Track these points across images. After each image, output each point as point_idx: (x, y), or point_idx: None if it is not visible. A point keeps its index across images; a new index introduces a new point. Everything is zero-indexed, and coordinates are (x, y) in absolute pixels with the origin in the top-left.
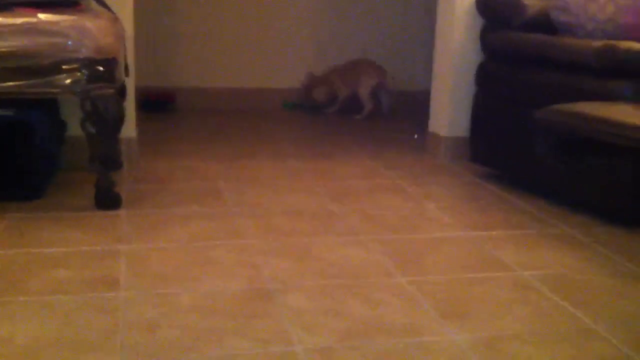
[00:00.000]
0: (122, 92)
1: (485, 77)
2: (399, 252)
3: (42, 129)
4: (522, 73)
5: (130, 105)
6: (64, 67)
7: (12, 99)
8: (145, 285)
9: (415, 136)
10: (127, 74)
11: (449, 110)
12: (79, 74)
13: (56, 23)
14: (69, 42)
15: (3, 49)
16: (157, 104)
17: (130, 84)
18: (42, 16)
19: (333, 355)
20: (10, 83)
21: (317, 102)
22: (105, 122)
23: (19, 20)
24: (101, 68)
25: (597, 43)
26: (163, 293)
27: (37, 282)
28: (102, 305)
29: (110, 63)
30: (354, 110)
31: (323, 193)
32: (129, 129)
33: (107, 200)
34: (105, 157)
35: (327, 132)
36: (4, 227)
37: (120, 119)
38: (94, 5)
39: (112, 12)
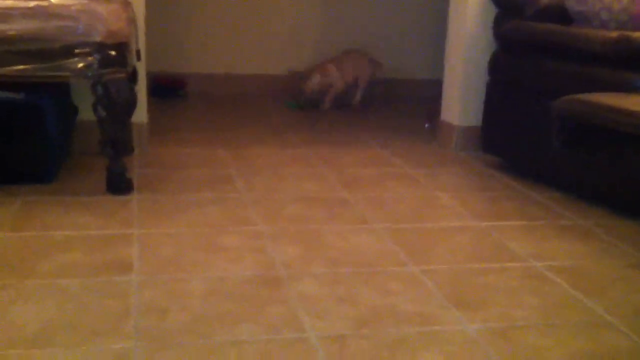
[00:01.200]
0: (133, 76)
1: (498, 66)
2: (411, 240)
3: (53, 113)
4: (536, 63)
5: (141, 91)
6: (75, 51)
7: (23, 83)
8: (156, 270)
9: (426, 125)
10: (138, 59)
11: (461, 99)
12: (90, 58)
13: (68, 7)
14: (80, 26)
15: (14, 32)
16: (167, 90)
17: (142, 69)
18: (53, 0)
19: (345, 342)
20: (22, 66)
21: (309, 94)
22: (117, 106)
23: (31, 4)
24: (113, 52)
25: (612, 33)
26: (174, 278)
27: (48, 265)
28: (112, 289)
29: (122, 47)
30: (345, 102)
31: (333, 181)
32: (140, 114)
33: (119, 184)
34: (117, 141)
35: (337, 121)
36: (15, 210)
37: (131, 104)
38: None
39: None
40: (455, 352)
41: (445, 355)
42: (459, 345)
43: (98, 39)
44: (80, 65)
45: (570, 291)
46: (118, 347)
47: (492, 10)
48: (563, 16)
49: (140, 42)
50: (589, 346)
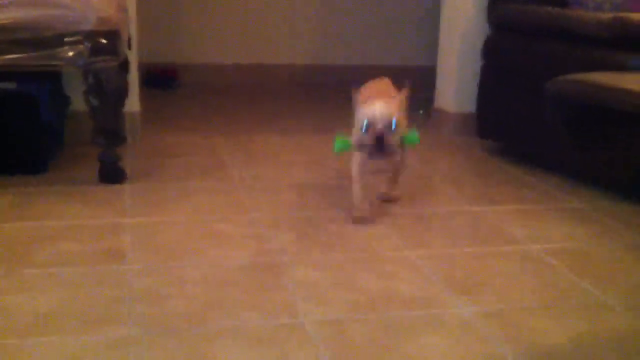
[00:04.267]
0: (124, 65)
1: (492, 50)
2: (407, 226)
3: (45, 103)
4: (531, 46)
5: (133, 79)
6: (66, 39)
7: (14, 72)
8: (151, 257)
9: (421, 112)
10: (129, 47)
11: (456, 85)
12: (81, 46)
13: None
14: (71, 14)
15: (5, 21)
16: (160, 80)
17: (133, 58)
18: None
19: (342, 327)
20: (13, 55)
21: None
22: (108, 95)
23: None
24: (104, 40)
25: (607, 15)
26: (170, 266)
27: (43, 254)
28: (109, 278)
29: (113, 35)
30: None
31: (329, 168)
32: (132, 103)
33: (112, 174)
34: (109, 130)
35: (332, 108)
36: (9, 201)
37: (123, 92)
38: None
39: None
40: (453, 335)
41: (443, 338)
42: (456, 328)
43: (89, 27)
44: (71, 53)
45: (568, 274)
46: (115, 334)
47: None
48: None
49: (132, 31)
50: (588, 328)
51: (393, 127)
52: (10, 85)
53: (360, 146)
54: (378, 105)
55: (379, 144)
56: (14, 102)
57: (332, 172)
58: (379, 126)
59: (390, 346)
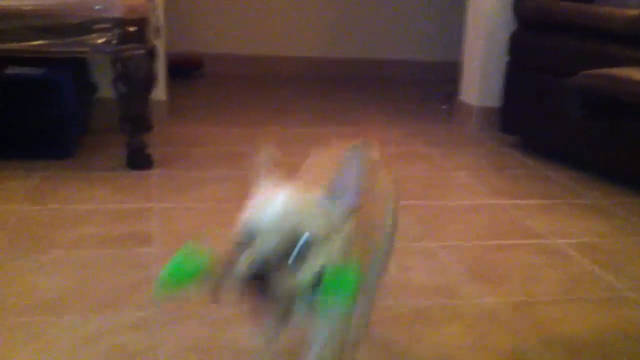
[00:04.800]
0: (152, 53)
1: (518, 45)
2: (429, 218)
3: (71, 89)
4: (556, 41)
5: (160, 68)
6: (94, 26)
7: (42, 59)
8: (174, 242)
9: (444, 107)
10: (157, 36)
11: (480, 79)
12: (110, 33)
13: None
14: (99, 1)
15: (32, 7)
16: (184, 69)
17: (161, 47)
18: None
19: None
20: (41, 42)
21: None
22: (136, 82)
23: None
24: (132, 28)
25: (633, 11)
26: None
27: (66, 237)
28: (130, 261)
29: (141, 23)
30: None
31: None
32: (160, 92)
33: (138, 160)
34: (136, 117)
35: (354, 100)
36: (34, 184)
37: (150, 80)
38: None
39: None
40: (475, 324)
41: (465, 327)
42: (477, 318)
43: (117, 14)
44: (100, 41)
45: (589, 267)
46: (133, 316)
47: None
48: None
49: (160, 18)
50: (607, 319)
51: (296, 251)
52: (38, 72)
53: (220, 282)
54: (280, 195)
55: (255, 283)
56: (39, 88)
57: None
58: (262, 248)
59: (413, 335)
